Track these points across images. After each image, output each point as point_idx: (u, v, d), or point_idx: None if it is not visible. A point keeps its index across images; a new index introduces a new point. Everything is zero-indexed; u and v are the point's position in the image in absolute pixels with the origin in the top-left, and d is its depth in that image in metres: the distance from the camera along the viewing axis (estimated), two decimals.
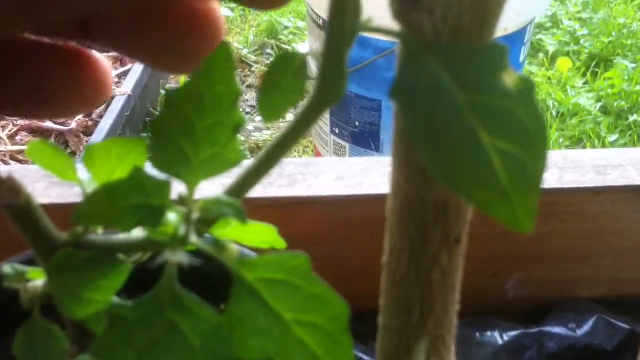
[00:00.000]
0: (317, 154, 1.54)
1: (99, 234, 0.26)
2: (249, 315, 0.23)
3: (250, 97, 2.02)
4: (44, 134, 1.47)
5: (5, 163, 1.30)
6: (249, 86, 2.09)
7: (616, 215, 0.46)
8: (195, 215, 0.23)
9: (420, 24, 0.20)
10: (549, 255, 0.47)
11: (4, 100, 0.22)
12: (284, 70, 0.23)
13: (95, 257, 0.25)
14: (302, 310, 0.23)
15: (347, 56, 0.22)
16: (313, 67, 0.26)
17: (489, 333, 0.44)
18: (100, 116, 1.45)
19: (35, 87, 0.22)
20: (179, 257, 0.21)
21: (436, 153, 0.20)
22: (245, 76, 2.14)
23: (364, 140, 1.44)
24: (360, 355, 0.45)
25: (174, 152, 0.23)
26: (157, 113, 0.24)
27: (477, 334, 0.44)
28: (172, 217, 0.23)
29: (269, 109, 0.23)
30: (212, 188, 0.25)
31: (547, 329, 0.45)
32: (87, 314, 0.25)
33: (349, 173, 0.46)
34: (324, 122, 1.44)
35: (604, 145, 1.78)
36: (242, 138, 1.84)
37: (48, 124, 1.48)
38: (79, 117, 1.46)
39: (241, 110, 1.97)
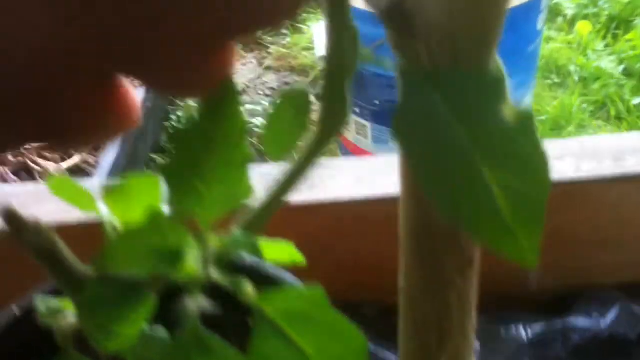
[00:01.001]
0: (343, 139, 1.54)
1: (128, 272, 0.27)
2: (272, 351, 0.23)
3: (269, 79, 2.02)
4: None
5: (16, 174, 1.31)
6: (267, 68, 2.09)
7: (635, 201, 0.46)
8: (212, 252, 0.24)
9: (417, 53, 0.20)
10: (570, 244, 0.48)
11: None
12: (288, 107, 0.23)
13: (122, 292, 0.26)
14: (322, 343, 0.24)
15: (348, 89, 0.23)
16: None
17: (513, 327, 0.44)
18: None
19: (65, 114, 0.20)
20: (199, 303, 0.22)
21: (439, 188, 0.20)
22: (262, 58, 2.14)
23: (385, 117, 1.43)
24: (385, 352, 0.45)
25: (188, 191, 0.24)
26: (167, 151, 0.24)
27: (502, 329, 0.44)
28: (190, 257, 0.24)
29: (275, 147, 0.23)
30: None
31: (571, 320, 0.45)
32: (119, 347, 0.26)
33: (368, 173, 0.47)
34: None
35: (628, 109, 1.76)
36: (264, 121, 1.84)
37: None
38: None
39: (261, 92, 1.97)
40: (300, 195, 0.47)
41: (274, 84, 2.00)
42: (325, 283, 0.46)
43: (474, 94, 0.20)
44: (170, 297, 0.25)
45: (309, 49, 2.04)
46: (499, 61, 0.23)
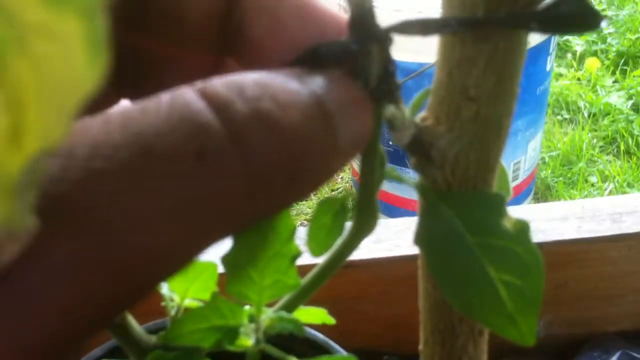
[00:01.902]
0: (355, 174, 1.59)
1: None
2: None
3: None
4: None
5: None
6: None
7: (633, 257, 0.50)
8: (262, 329, 0.29)
9: (434, 176, 0.25)
10: (574, 297, 0.52)
11: None
12: (327, 212, 0.28)
13: (182, 357, 0.31)
14: None
15: (377, 196, 0.27)
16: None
17: None
18: None
19: None
20: None
21: (454, 287, 0.25)
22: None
23: (399, 158, 1.48)
24: None
25: (244, 278, 0.29)
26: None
27: None
28: (245, 334, 0.28)
29: (317, 245, 0.28)
30: None
31: None
32: None
33: (387, 235, 0.51)
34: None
35: (637, 143, 1.79)
36: None
37: None
38: None
39: None
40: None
41: None
42: (351, 335, 0.51)
43: (480, 210, 0.25)
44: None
45: None
46: (502, 175, 0.28)
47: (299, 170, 0.18)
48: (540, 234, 0.50)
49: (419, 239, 0.25)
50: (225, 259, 0.29)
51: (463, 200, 0.25)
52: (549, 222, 0.51)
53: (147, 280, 0.16)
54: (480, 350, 0.30)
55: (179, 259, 0.16)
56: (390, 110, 0.24)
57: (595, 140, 1.83)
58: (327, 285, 0.54)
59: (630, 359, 0.49)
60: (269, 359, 0.31)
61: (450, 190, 0.26)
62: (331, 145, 0.19)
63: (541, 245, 0.49)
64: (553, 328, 0.53)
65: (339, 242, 0.28)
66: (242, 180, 0.16)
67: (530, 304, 0.24)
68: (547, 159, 1.78)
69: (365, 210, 0.27)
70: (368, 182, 0.27)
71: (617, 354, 0.50)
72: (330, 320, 0.39)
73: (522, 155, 1.60)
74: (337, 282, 0.51)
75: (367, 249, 0.51)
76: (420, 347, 0.31)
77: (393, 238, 0.51)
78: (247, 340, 0.29)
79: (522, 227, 0.25)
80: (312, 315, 0.38)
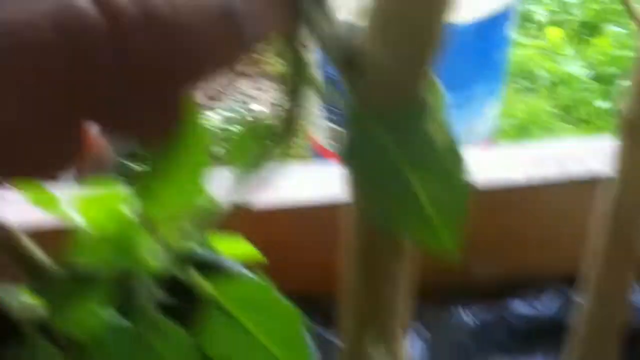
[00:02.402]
0: (313, 142, 1.57)
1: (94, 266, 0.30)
2: (217, 327, 0.26)
3: (243, 86, 2.04)
4: None
5: None
6: (241, 74, 2.10)
7: (576, 203, 0.49)
8: (168, 246, 0.26)
9: (360, 88, 0.23)
10: (517, 241, 0.51)
11: None
12: (249, 135, 0.26)
13: (86, 284, 0.29)
14: (266, 323, 0.27)
15: (303, 101, 0.25)
16: None
17: (459, 315, 0.48)
18: None
19: None
20: (147, 286, 0.25)
21: (377, 199, 0.23)
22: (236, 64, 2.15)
23: None
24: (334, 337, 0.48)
25: (148, 193, 0.26)
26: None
27: (448, 315, 0.47)
28: (146, 251, 0.26)
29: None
30: None
31: (514, 307, 0.48)
32: (82, 334, 0.28)
33: (322, 180, 0.49)
34: (317, 109, 1.47)
35: (595, 113, 1.80)
36: (241, 127, 1.86)
37: None
38: None
39: (235, 99, 1.99)
40: (263, 199, 0.49)
41: (248, 91, 2.01)
42: (285, 281, 0.49)
43: (405, 120, 0.23)
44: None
45: None
46: (435, 82, 0.26)
47: (191, 68, 0.20)
48: (486, 179, 0.48)
49: (344, 151, 0.23)
50: (130, 175, 0.26)
51: (388, 111, 0.23)
52: (494, 167, 0.49)
53: None
54: (404, 271, 0.28)
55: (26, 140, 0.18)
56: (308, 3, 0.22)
57: (553, 109, 1.84)
58: (258, 230, 0.52)
59: (566, 300, 0.48)
60: (182, 286, 0.28)
61: (376, 101, 0.24)
62: (232, 42, 0.20)
63: (487, 190, 0.48)
64: (493, 272, 0.51)
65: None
66: (116, 74, 0.18)
67: (453, 215, 0.23)
68: (505, 128, 1.78)
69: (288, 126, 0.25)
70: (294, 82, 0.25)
71: (557, 297, 0.49)
72: (255, 253, 0.36)
73: (479, 121, 1.59)
74: (270, 227, 0.49)
75: (306, 191, 0.48)
76: (344, 275, 0.29)
77: (328, 182, 0.49)
78: (154, 261, 0.26)
79: (449, 139, 0.23)
80: (232, 247, 0.36)
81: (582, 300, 0.31)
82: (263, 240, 0.46)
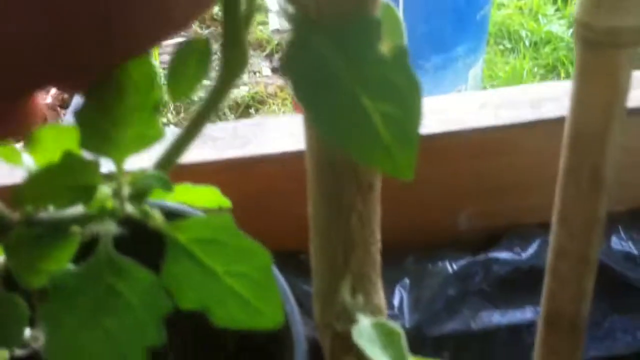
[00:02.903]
0: (295, 107, 1.56)
1: (48, 212, 0.29)
2: (183, 271, 0.25)
3: None
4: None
5: None
6: None
7: (552, 145, 0.48)
8: (125, 189, 0.26)
9: (305, 3, 0.22)
10: (493, 188, 0.50)
11: None
12: (190, 53, 0.25)
13: (47, 232, 0.28)
14: (231, 263, 0.26)
15: (246, 37, 0.24)
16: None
17: (439, 263, 0.47)
18: None
19: None
20: (106, 227, 0.24)
21: (326, 120, 0.22)
22: (218, 34, 2.13)
23: None
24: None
25: (100, 134, 0.26)
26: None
27: (429, 265, 0.47)
28: (103, 192, 0.25)
29: (177, 89, 0.25)
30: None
31: (494, 254, 0.48)
32: (44, 284, 0.28)
33: (299, 129, 0.48)
34: None
35: None
36: None
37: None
38: (54, 90, 1.47)
39: (216, 68, 1.97)
40: (234, 152, 0.49)
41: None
42: (263, 233, 0.48)
43: (354, 36, 0.22)
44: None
45: (264, 23, 2.04)
46: (390, 6, 0.25)
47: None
48: (457, 122, 0.48)
49: (287, 69, 0.22)
50: (78, 115, 0.26)
51: (335, 27, 0.22)
52: (466, 111, 0.48)
53: None
54: (371, 207, 0.28)
55: None
56: None
57: (536, 69, 1.83)
58: (234, 181, 0.52)
59: (547, 246, 0.48)
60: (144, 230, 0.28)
61: (323, 17, 0.23)
62: None
63: (458, 133, 0.47)
64: (472, 221, 0.51)
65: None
66: None
67: (407, 135, 0.22)
68: (489, 89, 1.78)
69: (232, 48, 0.25)
70: (233, 15, 0.24)
71: (537, 243, 0.49)
72: (226, 203, 0.36)
73: (462, 83, 1.58)
74: (246, 177, 0.48)
75: (278, 143, 0.48)
76: (309, 212, 0.29)
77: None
78: (108, 201, 0.26)
79: (400, 53, 0.22)
80: (202, 197, 0.35)
81: (555, 236, 0.30)
82: (243, 192, 0.46)
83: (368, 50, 0.22)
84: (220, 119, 1.60)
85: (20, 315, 0.29)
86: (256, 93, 1.84)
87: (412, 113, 0.22)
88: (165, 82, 0.26)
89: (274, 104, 1.80)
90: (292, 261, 0.48)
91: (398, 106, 0.22)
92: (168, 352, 0.37)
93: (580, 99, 0.24)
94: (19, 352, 0.37)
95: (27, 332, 0.37)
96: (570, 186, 0.26)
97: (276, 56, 1.96)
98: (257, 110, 1.80)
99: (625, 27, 0.21)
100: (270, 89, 1.87)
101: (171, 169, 0.45)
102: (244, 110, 1.80)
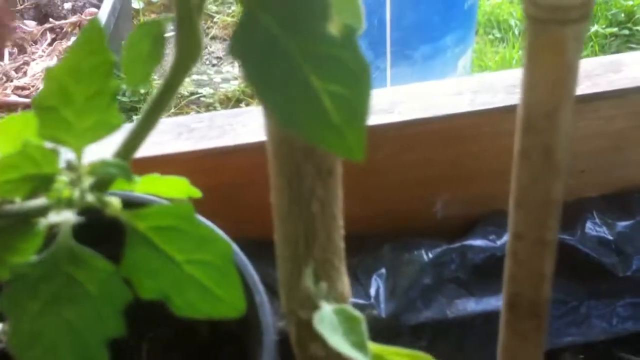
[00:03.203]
0: None
1: (14, 204, 0.29)
2: (143, 259, 0.26)
3: (215, 49, 2.02)
4: (10, 108, 1.48)
5: None
6: (213, 37, 2.08)
7: None
8: (86, 178, 0.26)
9: None
10: (470, 174, 0.50)
11: None
12: (144, 37, 0.25)
13: (13, 224, 0.28)
14: (191, 251, 0.26)
15: (199, 23, 0.24)
16: None
17: (415, 252, 0.47)
18: None
19: None
20: (63, 217, 0.24)
21: (275, 100, 0.22)
22: (208, 28, 2.13)
23: None
24: None
25: (59, 122, 0.26)
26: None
27: (406, 254, 0.47)
28: (63, 181, 0.25)
29: (133, 74, 0.25)
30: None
31: (469, 242, 0.48)
32: (6, 274, 0.28)
33: None
34: None
35: None
36: (211, 90, 1.85)
37: (13, 97, 1.49)
38: None
39: (207, 62, 1.97)
40: (211, 142, 0.49)
41: (220, 54, 1.99)
42: (240, 223, 0.48)
43: (302, 14, 0.22)
44: None
45: None
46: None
47: None
48: (433, 108, 0.48)
49: (235, 49, 0.22)
50: (35, 102, 0.26)
51: (283, 4, 0.22)
52: (442, 97, 0.49)
53: None
54: (332, 193, 0.28)
55: None
56: None
57: None
58: (210, 171, 0.51)
59: None
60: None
61: None
62: None
63: (434, 119, 0.47)
64: (449, 208, 0.51)
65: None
66: None
67: (357, 114, 0.22)
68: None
69: (186, 36, 0.24)
70: (184, 5, 0.24)
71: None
72: (195, 192, 0.36)
73: (451, 73, 1.58)
74: (222, 168, 0.48)
75: (254, 133, 0.48)
76: (272, 199, 0.29)
77: None
78: (66, 190, 0.26)
79: (349, 32, 0.22)
80: (172, 187, 0.35)
81: (512, 219, 0.30)
82: (220, 182, 0.45)
83: (317, 29, 0.22)
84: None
85: None
86: (246, 87, 1.84)
87: (361, 93, 0.22)
88: (122, 67, 0.26)
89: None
90: (269, 251, 0.48)
91: (347, 86, 0.22)
92: (141, 341, 0.37)
93: (529, 79, 0.24)
94: None
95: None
96: (523, 168, 0.26)
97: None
98: (247, 105, 1.79)
99: (571, 4, 0.21)
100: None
101: (147, 160, 0.45)
102: (234, 104, 1.79)
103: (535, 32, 0.23)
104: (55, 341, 0.25)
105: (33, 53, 1.64)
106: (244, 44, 0.22)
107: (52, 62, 1.59)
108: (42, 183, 0.25)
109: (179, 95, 1.77)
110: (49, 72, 0.26)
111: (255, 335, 0.32)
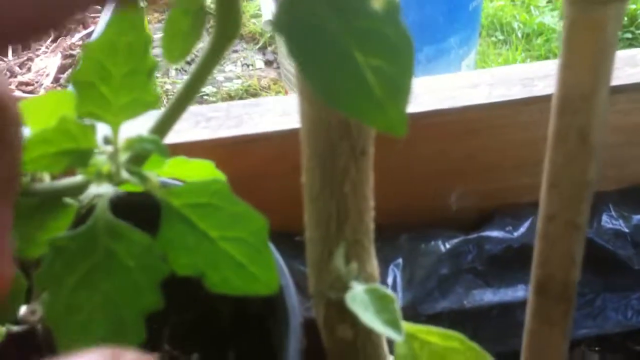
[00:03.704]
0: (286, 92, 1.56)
1: (45, 182, 0.29)
2: (178, 236, 0.26)
3: None
4: None
5: None
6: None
7: (544, 122, 0.48)
8: (121, 154, 0.26)
9: None
10: (485, 167, 0.51)
11: None
12: (184, 14, 0.25)
13: (44, 202, 0.28)
14: (226, 228, 0.26)
15: (239, 1, 0.25)
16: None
17: (432, 243, 0.47)
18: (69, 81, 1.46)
19: None
20: (103, 190, 0.24)
21: (319, 76, 0.22)
22: (211, 27, 2.13)
23: None
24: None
25: (96, 99, 0.26)
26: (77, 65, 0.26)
27: (422, 245, 0.47)
28: (99, 157, 0.26)
29: (172, 51, 0.25)
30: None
31: (486, 233, 0.48)
32: (42, 253, 0.28)
33: (293, 107, 0.49)
34: (290, 64, 1.46)
35: None
36: (214, 89, 1.85)
37: (17, 93, 1.49)
38: (48, 83, 1.47)
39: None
40: (228, 131, 0.49)
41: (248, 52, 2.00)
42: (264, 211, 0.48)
43: None
44: None
45: (257, 16, 2.04)
46: None
47: None
48: (449, 100, 0.48)
49: (278, 25, 0.22)
50: (73, 78, 0.26)
51: None
52: (458, 89, 0.49)
53: None
54: (364, 173, 0.28)
55: None
56: None
57: (528, 60, 1.83)
58: (228, 161, 0.51)
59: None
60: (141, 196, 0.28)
61: None
62: None
63: (450, 111, 0.47)
64: (465, 200, 0.51)
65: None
66: None
67: (399, 90, 0.22)
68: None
69: (225, 12, 0.25)
70: None
71: (528, 221, 0.49)
72: (220, 175, 0.36)
73: None
74: (240, 158, 0.49)
75: (271, 123, 0.48)
76: (303, 179, 0.29)
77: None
78: (104, 166, 0.26)
79: (392, 7, 0.22)
80: (197, 170, 0.35)
81: (544, 201, 0.30)
82: (236, 172, 0.46)
83: (360, 4, 0.22)
84: None
85: (18, 289, 0.29)
86: (249, 86, 1.84)
87: (404, 67, 0.22)
88: (161, 42, 0.26)
89: (267, 96, 1.80)
90: (287, 242, 0.49)
91: (390, 60, 0.22)
92: (163, 326, 0.37)
93: (567, 61, 0.24)
94: (16, 328, 0.38)
95: (24, 308, 0.37)
96: (558, 150, 0.26)
97: (269, 49, 1.96)
98: None
99: None
100: (264, 82, 1.87)
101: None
102: None
103: (575, 12, 0.23)
104: (91, 314, 0.25)
105: (37, 49, 1.64)
106: (288, 20, 0.22)
107: (56, 58, 1.59)
108: (80, 158, 0.25)
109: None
110: (86, 49, 0.26)
111: (281, 317, 0.32)
